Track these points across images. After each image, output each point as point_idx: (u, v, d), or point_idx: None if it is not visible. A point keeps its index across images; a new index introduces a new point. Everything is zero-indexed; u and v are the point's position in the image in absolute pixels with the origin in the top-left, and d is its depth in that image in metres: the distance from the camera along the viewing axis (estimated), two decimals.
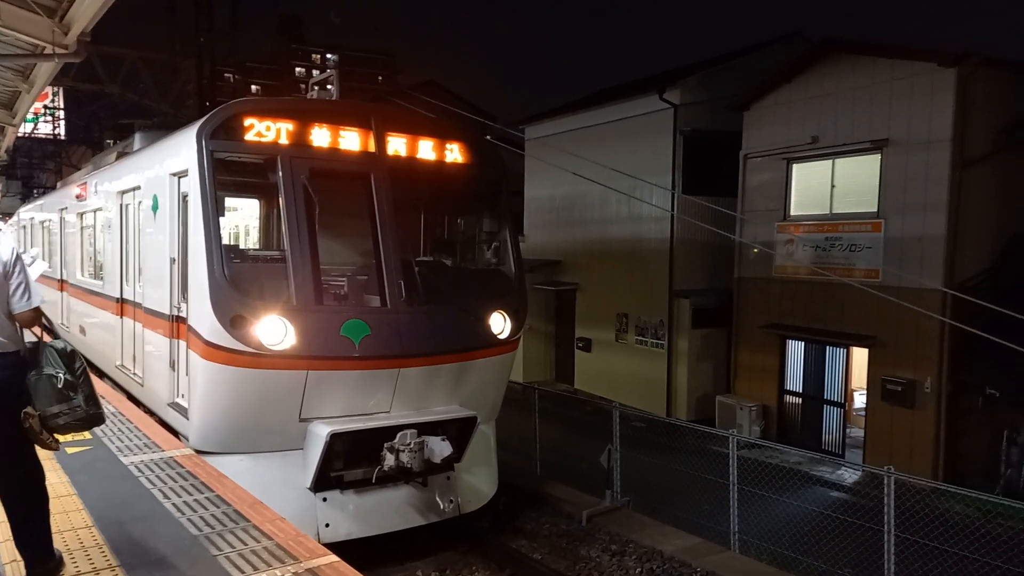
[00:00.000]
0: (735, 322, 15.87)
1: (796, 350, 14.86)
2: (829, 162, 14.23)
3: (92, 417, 3.76)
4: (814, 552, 8.34)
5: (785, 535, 8.71)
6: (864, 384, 13.82)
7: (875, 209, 13.31)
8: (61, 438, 3.77)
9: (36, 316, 3.76)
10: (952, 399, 12.42)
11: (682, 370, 16.56)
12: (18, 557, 3.92)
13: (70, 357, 3.68)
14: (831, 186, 14.19)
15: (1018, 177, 12.92)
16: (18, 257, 3.72)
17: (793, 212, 14.88)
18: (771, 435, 14.62)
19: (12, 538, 3.84)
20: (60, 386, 3.60)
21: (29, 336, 3.84)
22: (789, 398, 14.99)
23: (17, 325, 3.69)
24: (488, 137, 11.07)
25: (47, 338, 3.79)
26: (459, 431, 7.57)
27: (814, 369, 14.55)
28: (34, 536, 3.82)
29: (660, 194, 15.90)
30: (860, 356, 13.84)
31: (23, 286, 3.67)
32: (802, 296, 14.42)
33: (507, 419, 9.76)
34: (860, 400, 14.42)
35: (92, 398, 3.75)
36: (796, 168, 14.85)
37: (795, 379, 14.90)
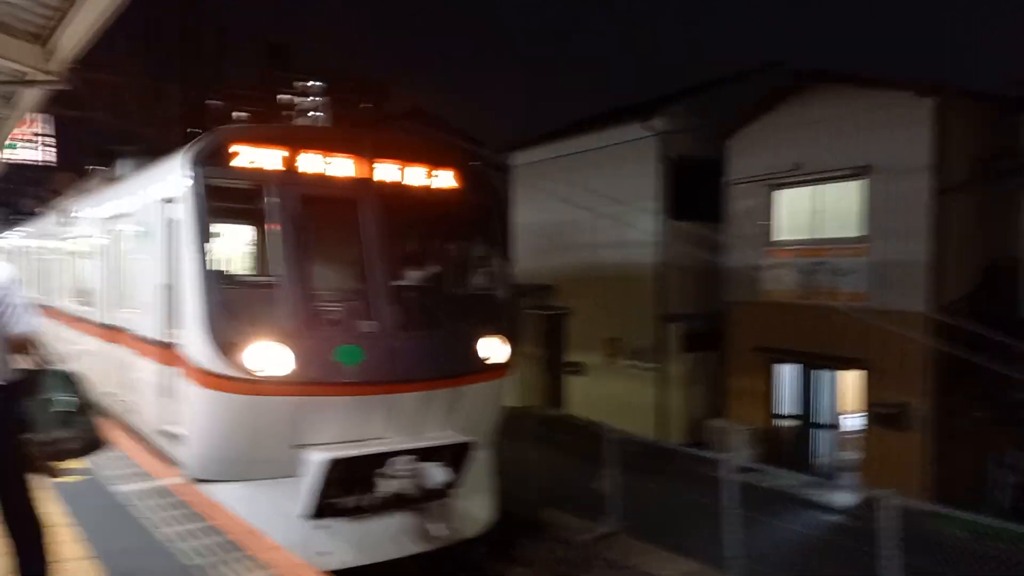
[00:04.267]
0: (725, 346, 15.95)
1: (786, 373, 14.94)
2: (813, 188, 14.44)
3: (96, 441, 3.74)
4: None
5: (780, 558, 8.70)
6: (854, 407, 13.91)
7: (859, 234, 13.49)
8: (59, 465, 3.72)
9: (29, 341, 3.70)
10: (940, 421, 12.50)
11: (674, 394, 16.58)
12: None
13: (73, 382, 3.65)
14: (816, 212, 14.39)
15: (996, 205, 13.18)
16: (14, 279, 3.71)
17: (779, 237, 15.05)
18: (763, 458, 14.63)
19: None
20: (64, 411, 3.57)
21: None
22: (780, 421, 15.03)
23: (6, 353, 3.63)
24: (477, 163, 11.14)
25: (43, 364, 3.75)
26: (455, 456, 7.52)
27: (804, 392, 14.63)
28: (29, 566, 3.74)
29: (648, 219, 16.04)
30: (849, 379, 13.94)
31: (20, 307, 3.64)
32: (790, 319, 14.53)
33: (500, 444, 9.71)
34: (850, 423, 14.49)
35: (95, 422, 3.72)
36: (780, 194, 15.05)
37: (786, 402, 14.96)
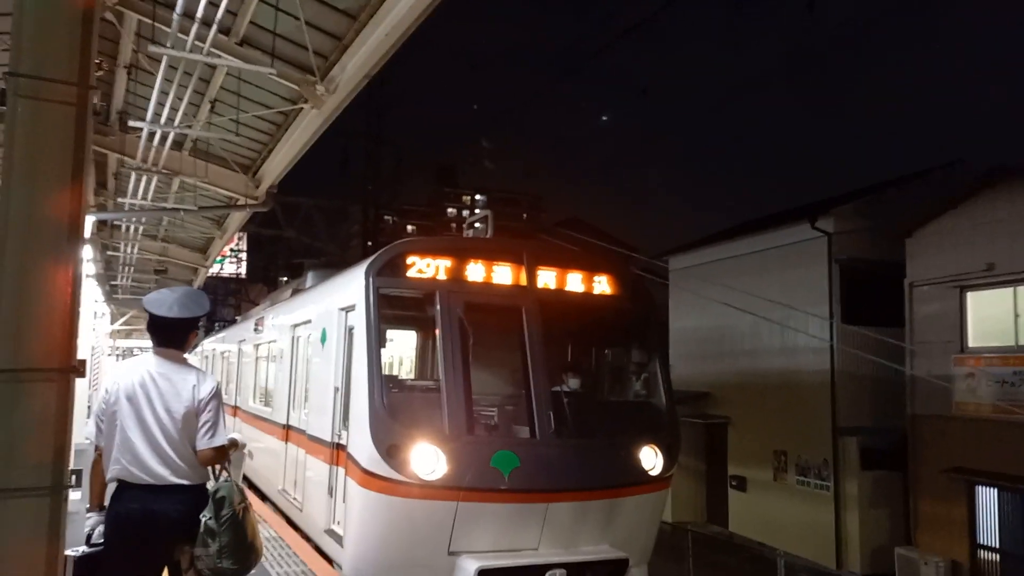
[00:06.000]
0: (912, 465, 14.38)
1: (988, 498, 13.15)
2: (1011, 290, 13.09)
3: (220, 571, 3.61)
4: None
5: None
6: None
7: None
8: None
9: (217, 455, 3.79)
10: None
11: (852, 517, 15.03)
12: None
13: (219, 503, 3.65)
14: (1015, 315, 12.97)
15: None
16: (215, 395, 3.83)
17: (971, 344, 13.64)
18: None
19: None
20: (202, 530, 3.58)
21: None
22: (984, 554, 13.13)
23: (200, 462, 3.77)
24: (633, 268, 11.14)
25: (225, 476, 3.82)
26: (609, 574, 7.16)
27: (1013, 521, 12.76)
28: None
29: (816, 324, 15.16)
30: None
31: (210, 424, 3.74)
32: (990, 437, 12.91)
33: (655, 562, 9.16)
34: None
35: (227, 549, 3.62)
36: (971, 297, 13.76)
37: (990, 532, 13.10)
